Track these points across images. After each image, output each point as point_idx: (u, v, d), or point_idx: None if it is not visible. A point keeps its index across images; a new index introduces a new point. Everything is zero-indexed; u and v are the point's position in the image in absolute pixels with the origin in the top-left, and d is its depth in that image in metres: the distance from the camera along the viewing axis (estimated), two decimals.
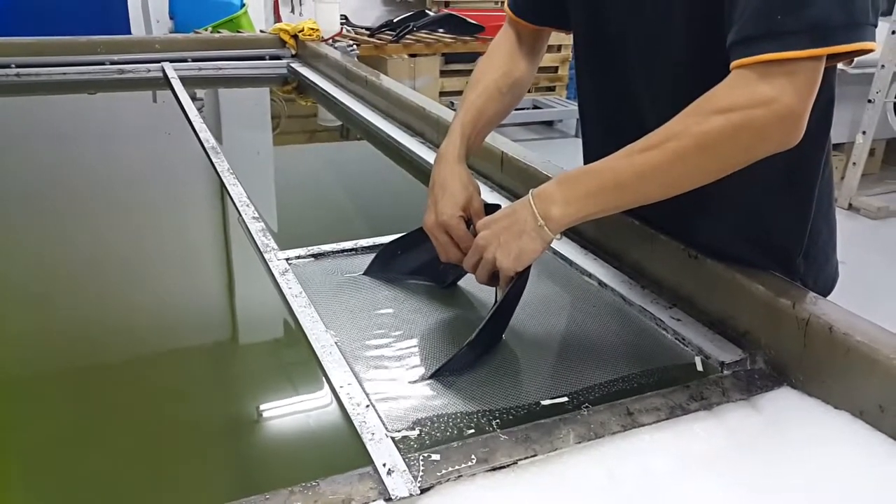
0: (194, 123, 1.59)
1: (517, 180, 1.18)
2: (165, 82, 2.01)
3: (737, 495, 0.58)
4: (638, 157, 0.68)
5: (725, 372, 0.74)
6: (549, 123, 4.86)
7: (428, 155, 1.41)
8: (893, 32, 3.30)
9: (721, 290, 0.79)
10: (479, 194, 0.84)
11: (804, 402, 0.69)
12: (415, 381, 0.73)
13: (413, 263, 0.91)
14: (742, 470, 0.61)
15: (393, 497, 0.56)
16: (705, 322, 0.81)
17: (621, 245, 0.94)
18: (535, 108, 4.69)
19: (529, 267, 0.76)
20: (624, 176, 0.69)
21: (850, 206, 3.54)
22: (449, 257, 0.81)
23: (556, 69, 4.78)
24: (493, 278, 0.77)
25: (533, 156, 1.18)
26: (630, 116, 0.84)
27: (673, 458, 0.62)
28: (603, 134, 0.94)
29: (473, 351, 0.74)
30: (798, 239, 0.82)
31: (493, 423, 0.67)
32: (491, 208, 0.82)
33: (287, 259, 0.95)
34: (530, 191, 0.74)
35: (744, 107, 0.63)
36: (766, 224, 0.81)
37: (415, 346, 0.79)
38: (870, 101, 3.44)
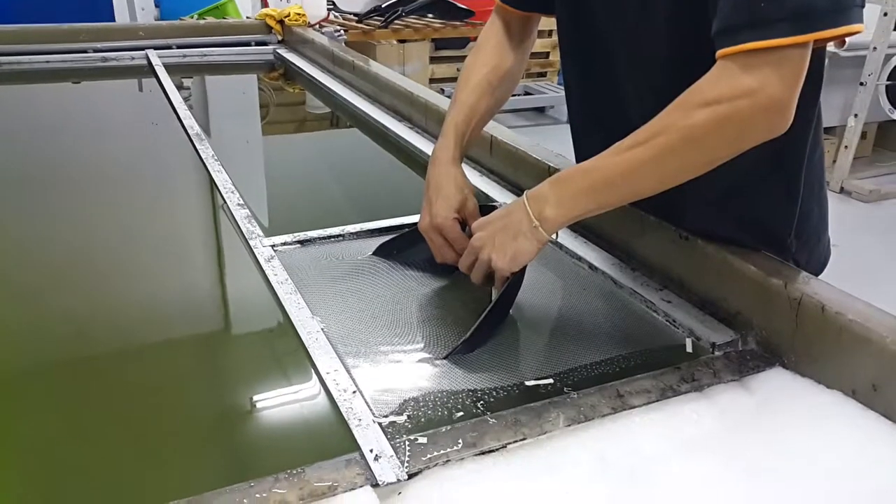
0: (179, 111, 1.57)
1: (507, 164, 1.17)
2: (150, 70, 1.98)
3: (729, 476, 0.58)
4: (626, 155, 0.68)
5: (717, 353, 0.73)
6: (541, 110, 4.83)
7: (416, 140, 1.40)
8: (885, 14, 3.29)
9: (712, 270, 0.78)
10: (474, 196, 0.85)
11: (796, 382, 0.68)
12: (402, 366, 0.72)
13: (409, 262, 0.91)
14: (734, 451, 0.60)
15: (380, 483, 0.55)
16: (696, 303, 0.80)
17: (611, 228, 0.93)
18: (527, 94, 4.66)
19: (525, 267, 0.76)
20: (614, 173, 0.69)
21: (841, 190, 3.54)
22: (444, 258, 0.82)
23: (547, 55, 4.75)
24: (488, 279, 0.77)
25: (523, 140, 1.16)
26: (614, 108, 0.84)
27: (664, 440, 0.61)
28: (588, 125, 0.94)
29: (467, 349, 0.74)
30: (787, 219, 0.81)
31: (483, 406, 0.66)
32: (486, 210, 0.83)
33: (273, 246, 0.94)
34: (524, 192, 0.74)
35: (728, 98, 0.63)
36: (754, 205, 0.81)
37: (403, 332, 0.78)
38: (861, 83, 3.43)
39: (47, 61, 2.04)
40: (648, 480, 0.57)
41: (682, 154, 0.66)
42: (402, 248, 0.92)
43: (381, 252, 0.94)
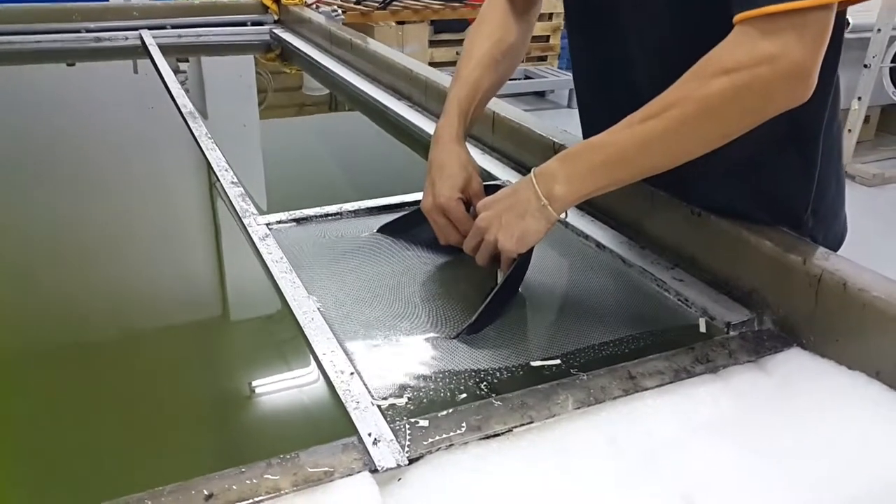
0: (172, 91, 1.53)
1: (510, 142, 1.13)
2: (144, 50, 1.94)
3: (746, 461, 0.55)
4: (639, 128, 0.64)
5: (731, 333, 0.70)
6: (541, 94, 4.78)
7: (417, 119, 1.36)
8: None
9: (726, 247, 0.75)
10: (479, 175, 0.82)
11: (816, 363, 0.65)
12: (403, 347, 0.68)
13: (411, 243, 0.88)
14: (751, 435, 0.57)
15: (379, 468, 0.52)
16: (709, 282, 0.77)
17: (620, 205, 0.90)
18: (527, 78, 4.61)
19: (532, 248, 0.73)
20: (626, 148, 0.66)
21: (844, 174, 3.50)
22: (448, 240, 0.79)
23: (547, 38, 4.70)
24: (493, 261, 0.74)
25: (526, 116, 1.12)
26: (623, 81, 0.80)
27: (678, 423, 0.58)
28: (597, 99, 0.90)
29: (470, 332, 0.71)
30: (804, 194, 0.78)
31: (487, 387, 0.63)
32: (491, 189, 0.79)
33: (268, 224, 0.91)
34: (532, 170, 0.71)
35: (747, 66, 0.59)
36: (769, 180, 0.77)
37: (404, 311, 0.74)
38: (866, 66, 3.38)
39: (38, 41, 2.00)
40: (662, 465, 0.54)
41: (698, 126, 0.63)
42: (404, 229, 0.89)
43: (381, 234, 0.90)
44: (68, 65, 2.06)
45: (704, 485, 0.53)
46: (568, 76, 4.52)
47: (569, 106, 4.54)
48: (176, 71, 1.75)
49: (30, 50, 1.99)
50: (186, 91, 1.55)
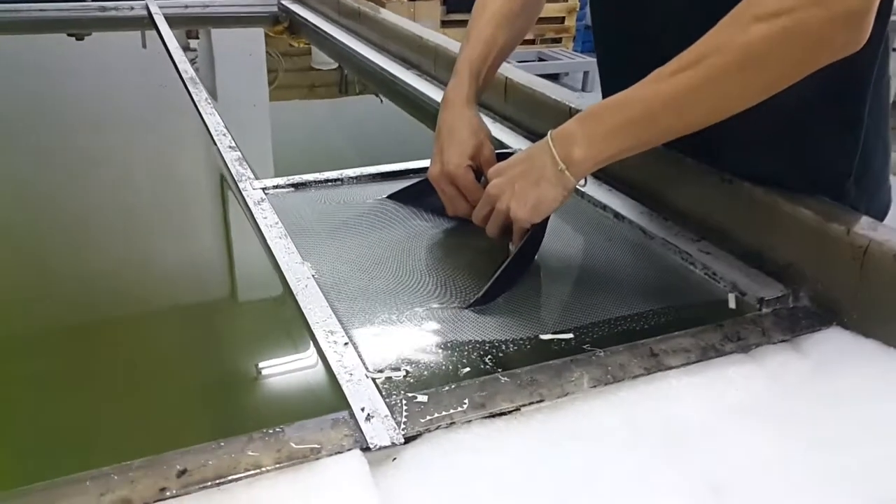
0: (174, 57, 1.48)
1: (524, 110, 1.07)
2: (150, 21, 1.89)
3: (779, 449, 0.49)
4: (671, 81, 0.58)
5: (764, 310, 0.64)
6: (555, 77, 4.69)
7: (427, 88, 1.30)
8: None
9: (759, 217, 0.69)
10: (491, 141, 0.76)
11: (859, 343, 0.59)
12: (402, 317, 0.63)
13: (416, 214, 0.83)
14: (785, 420, 0.52)
15: (372, 446, 0.46)
16: (740, 255, 0.70)
17: (640, 172, 0.83)
18: (541, 60, 4.52)
19: (547, 219, 0.67)
20: (654, 105, 0.59)
21: None
22: (457, 211, 0.75)
23: (562, 20, 4.59)
24: (505, 232, 0.69)
25: (540, 81, 1.06)
26: (648, 44, 0.73)
27: (705, 406, 0.53)
28: (619, 65, 0.83)
29: (478, 304, 0.65)
30: (848, 159, 0.71)
31: (493, 362, 0.57)
32: (503, 158, 0.74)
33: (264, 189, 0.85)
34: (549, 132, 0.65)
35: (793, 9, 0.53)
36: (808, 143, 0.70)
37: (403, 279, 0.69)
38: (894, 50, 3.27)
39: (42, 10, 1.95)
40: (687, 451, 0.49)
41: (736, 78, 0.56)
42: (411, 199, 0.83)
43: (385, 202, 0.85)
44: (77, 39, 2.01)
45: (733, 474, 0.48)
46: (583, 59, 4.42)
47: (583, 89, 4.45)
48: (186, 49, 1.71)
49: (33, 19, 1.94)
50: (197, 70, 1.50)
